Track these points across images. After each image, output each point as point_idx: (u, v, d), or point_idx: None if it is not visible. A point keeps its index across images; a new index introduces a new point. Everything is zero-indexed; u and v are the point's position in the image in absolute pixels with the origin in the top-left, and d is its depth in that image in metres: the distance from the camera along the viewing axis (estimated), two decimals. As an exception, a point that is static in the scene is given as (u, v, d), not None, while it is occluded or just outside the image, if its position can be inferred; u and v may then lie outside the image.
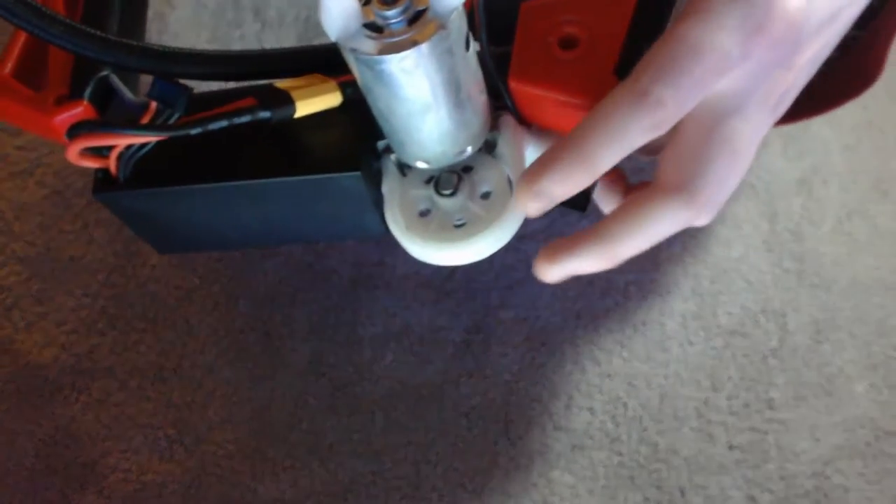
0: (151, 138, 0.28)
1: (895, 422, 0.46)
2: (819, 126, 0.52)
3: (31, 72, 0.33)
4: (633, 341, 0.46)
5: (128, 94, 0.31)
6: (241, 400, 0.44)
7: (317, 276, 0.46)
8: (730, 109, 0.24)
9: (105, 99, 0.31)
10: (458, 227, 0.28)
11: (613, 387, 0.45)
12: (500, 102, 0.28)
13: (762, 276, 0.48)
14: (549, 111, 0.26)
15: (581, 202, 0.28)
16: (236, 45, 0.50)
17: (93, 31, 0.29)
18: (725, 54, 0.23)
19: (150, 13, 0.43)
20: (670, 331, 0.46)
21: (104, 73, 0.31)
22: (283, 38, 0.51)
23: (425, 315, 0.45)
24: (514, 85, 0.26)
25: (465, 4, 0.23)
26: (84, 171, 0.47)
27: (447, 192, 0.28)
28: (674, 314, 0.46)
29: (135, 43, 0.29)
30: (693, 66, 0.22)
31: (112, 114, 0.31)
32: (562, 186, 0.24)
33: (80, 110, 0.31)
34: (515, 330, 0.46)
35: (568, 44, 0.25)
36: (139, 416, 0.43)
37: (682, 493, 0.43)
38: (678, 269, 0.47)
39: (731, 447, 0.44)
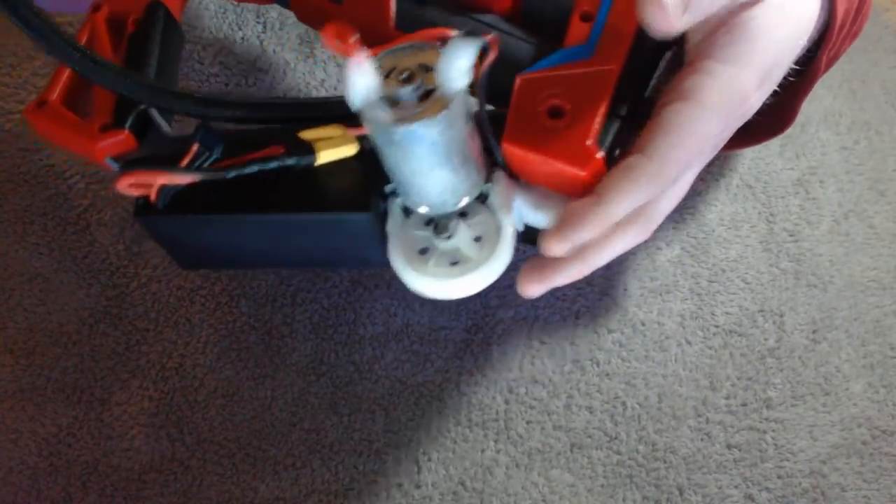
0: (193, 179, 0.31)
1: (892, 421, 0.46)
2: (816, 127, 0.52)
3: (75, 99, 0.36)
4: (632, 341, 0.46)
5: (164, 125, 0.35)
6: (242, 399, 0.44)
7: (317, 276, 0.46)
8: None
9: (143, 129, 0.35)
10: (452, 265, 0.32)
11: (612, 386, 0.45)
12: (494, 159, 0.32)
13: (760, 276, 0.48)
14: (535, 170, 0.30)
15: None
16: (238, 47, 0.50)
17: (146, 79, 0.33)
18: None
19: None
20: (669, 330, 0.46)
21: (146, 107, 0.34)
22: (285, 40, 0.51)
23: (425, 314, 0.46)
24: (507, 147, 0.30)
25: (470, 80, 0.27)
26: (86, 173, 0.47)
27: (445, 235, 0.32)
28: (672, 314, 0.47)
29: (180, 90, 0.33)
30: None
31: (149, 143, 0.35)
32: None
33: (122, 138, 0.34)
34: (515, 330, 0.46)
35: (555, 114, 0.29)
36: (141, 415, 0.43)
37: (681, 491, 0.44)
38: (677, 269, 0.48)
39: (729, 446, 0.45)
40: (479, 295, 0.46)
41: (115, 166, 0.34)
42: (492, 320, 0.46)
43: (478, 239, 0.32)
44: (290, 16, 0.52)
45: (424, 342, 0.45)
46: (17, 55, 0.50)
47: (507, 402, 0.45)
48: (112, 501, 0.42)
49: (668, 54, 0.33)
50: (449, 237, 0.32)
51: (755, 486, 0.44)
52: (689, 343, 0.46)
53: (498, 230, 0.31)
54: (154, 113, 0.35)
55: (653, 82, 0.33)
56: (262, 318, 0.45)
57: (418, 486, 0.43)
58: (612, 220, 0.28)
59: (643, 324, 0.46)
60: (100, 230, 0.46)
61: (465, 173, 0.30)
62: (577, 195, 0.30)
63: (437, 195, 0.30)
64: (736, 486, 0.44)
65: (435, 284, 0.31)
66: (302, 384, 0.44)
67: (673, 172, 0.28)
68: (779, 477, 0.44)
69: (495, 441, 0.44)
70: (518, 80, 0.30)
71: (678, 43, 0.32)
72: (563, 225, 0.29)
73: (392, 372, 0.45)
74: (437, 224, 0.32)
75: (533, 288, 0.32)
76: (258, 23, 0.51)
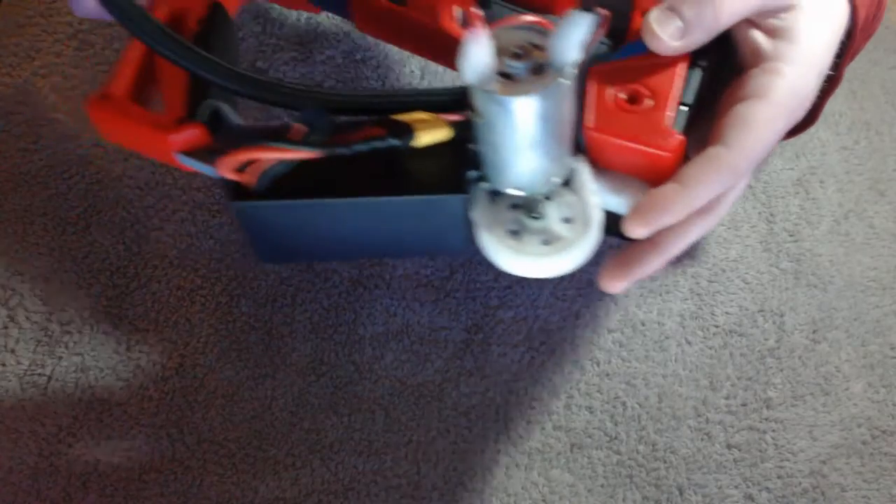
0: (311, 155, 0.31)
1: (892, 420, 0.46)
2: (816, 128, 0.52)
3: (137, 94, 0.35)
4: (632, 341, 0.46)
5: (236, 117, 0.34)
6: (242, 399, 0.44)
7: (317, 276, 0.46)
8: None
9: (216, 123, 0.34)
10: (545, 245, 0.32)
11: (612, 386, 0.45)
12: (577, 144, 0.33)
13: (760, 276, 0.48)
14: (618, 156, 0.32)
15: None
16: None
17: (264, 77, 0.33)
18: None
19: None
20: (669, 330, 0.46)
21: (216, 101, 0.34)
22: (285, 41, 0.51)
23: (425, 315, 0.46)
24: (591, 134, 0.31)
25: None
26: (86, 173, 0.47)
27: (537, 215, 0.33)
28: (672, 314, 0.47)
29: (315, 88, 0.34)
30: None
31: (222, 137, 0.34)
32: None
33: (197, 132, 0.33)
34: (515, 330, 0.46)
35: (633, 100, 0.31)
36: (141, 415, 0.43)
37: (681, 491, 0.44)
38: (677, 269, 0.48)
39: (729, 446, 0.45)
40: (479, 295, 0.47)
41: (186, 161, 0.33)
42: (492, 320, 0.46)
43: (566, 220, 0.33)
44: (290, 17, 0.52)
45: (424, 342, 0.45)
46: (18, 55, 0.50)
47: (507, 401, 0.45)
48: (112, 501, 0.42)
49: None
50: (540, 218, 0.33)
51: (755, 486, 0.44)
52: (689, 343, 0.46)
53: (586, 211, 0.32)
54: (224, 107, 0.34)
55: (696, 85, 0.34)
56: (262, 318, 0.45)
57: (418, 487, 0.43)
58: (694, 206, 0.30)
59: (643, 324, 0.46)
60: (100, 230, 0.46)
61: (559, 152, 0.31)
62: (657, 178, 0.31)
63: (532, 175, 0.31)
64: (736, 486, 0.44)
65: (532, 263, 0.32)
66: (302, 384, 0.44)
67: (747, 164, 0.30)
68: (779, 477, 0.44)
69: (495, 441, 0.44)
70: (591, 72, 0.32)
71: (728, 51, 0.33)
72: (646, 209, 0.30)
73: (392, 372, 0.45)
74: (529, 205, 0.33)
75: (617, 284, 0.33)
76: (257, 23, 0.51)
